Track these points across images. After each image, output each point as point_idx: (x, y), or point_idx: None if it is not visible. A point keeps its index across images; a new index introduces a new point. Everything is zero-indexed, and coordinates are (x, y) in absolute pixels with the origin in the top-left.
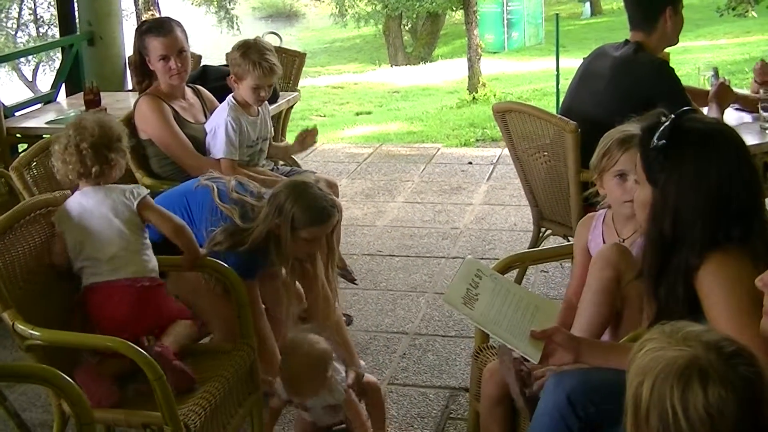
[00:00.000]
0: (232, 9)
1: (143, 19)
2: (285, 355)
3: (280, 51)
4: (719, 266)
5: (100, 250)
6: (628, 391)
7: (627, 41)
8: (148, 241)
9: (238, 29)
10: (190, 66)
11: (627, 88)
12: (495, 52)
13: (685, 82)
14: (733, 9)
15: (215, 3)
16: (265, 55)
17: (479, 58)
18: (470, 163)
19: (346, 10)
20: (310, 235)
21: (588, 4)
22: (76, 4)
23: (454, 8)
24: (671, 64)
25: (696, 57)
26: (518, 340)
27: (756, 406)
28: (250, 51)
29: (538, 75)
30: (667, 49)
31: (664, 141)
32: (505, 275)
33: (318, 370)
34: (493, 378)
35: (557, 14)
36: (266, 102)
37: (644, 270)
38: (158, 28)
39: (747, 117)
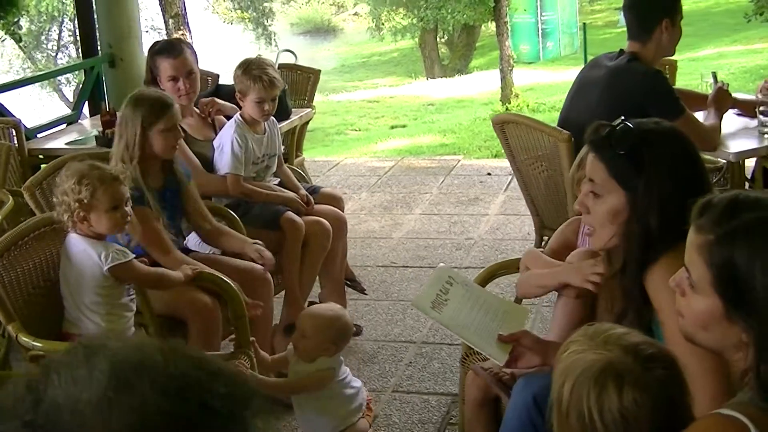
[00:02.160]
0: (269, 25)
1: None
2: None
3: (295, 68)
4: (670, 267)
5: (68, 296)
6: (552, 390)
7: (622, 51)
8: (125, 302)
9: (275, 45)
10: (198, 86)
11: (620, 98)
12: (530, 63)
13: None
14: (761, 14)
15: (248, 19)
16: (265, 70)
17: (511, 69)
18: (489, 174)
19: (383, 24)
20: (166, 124)
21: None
22: (97, 27)
23: (486, 20)
24: (701, 73)
25: (730, 62)
26: (485, 343)
27: (671, 409)
28: (250, 67)
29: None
30: (701, 54)
31: (633, 144)
32: (488, 284)
33: (330, 324)
34: (475, 382)
35: (584, 23)
36: (274, 119)
37: (627, 265)
38: (169, 49)
39: (747, 122)
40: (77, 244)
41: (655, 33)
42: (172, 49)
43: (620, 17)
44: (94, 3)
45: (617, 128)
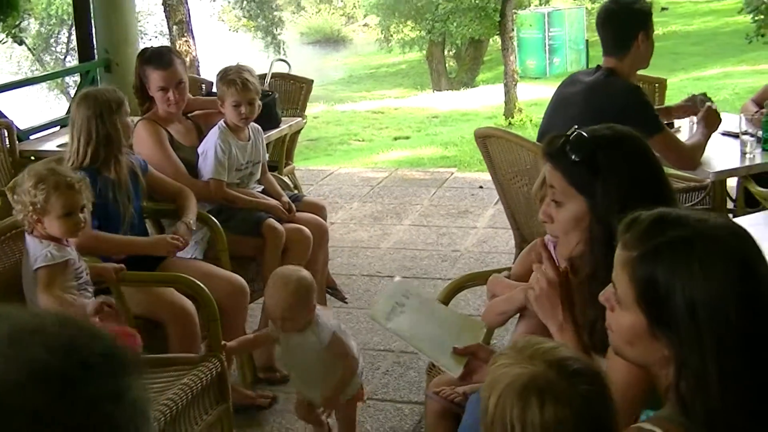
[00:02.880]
0: (279, 34)
1: (177, 45)
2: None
3: (288, 78)
4: None
5: (26, 292)
6: (481, 402)
7: (599, 67)
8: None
9: (285, 55)
10: (187, 95)
11: (599, 113)
12: (537, 78)
13: (722, 107)
14: (762, 36)
15: (254, 28)
16: (241, 74)
17: (515, 84)
18: (481, 187)
19: (391, 36)
20: (125, 113)
21: None
22: (94, 32)
23: (492, 34)
24: (711, 90)
25: (736, 82)
26: (440, 355)
27: (595, 424)
28: (227, 73)
29: None
30: (706, 73)
31: (587, 150)
32: (457, 295)
33: (304, 292)
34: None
35: (587, 40)
36: (259, 128)
37: (596, 270)
38: (158, 60)
39: (731, 142)
40: (29, 242)
41: (632, 47)
42: (161, 59)
43: None
44: (91, 8)
45: (571, 137)
